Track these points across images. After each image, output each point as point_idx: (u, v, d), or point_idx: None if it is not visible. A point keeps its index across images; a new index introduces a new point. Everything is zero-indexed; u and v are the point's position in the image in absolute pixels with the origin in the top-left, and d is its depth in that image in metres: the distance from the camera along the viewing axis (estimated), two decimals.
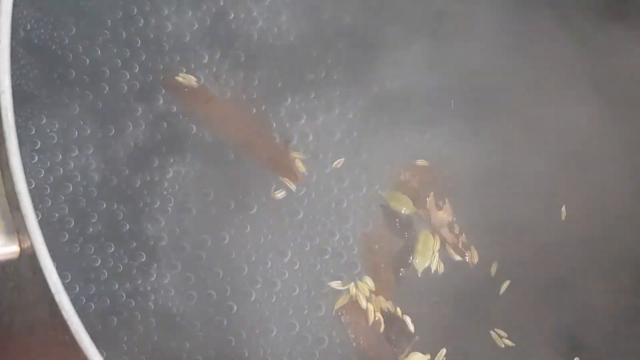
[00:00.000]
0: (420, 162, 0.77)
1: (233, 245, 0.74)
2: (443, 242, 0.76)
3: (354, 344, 0.73)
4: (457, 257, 0.77)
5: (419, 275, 0.76)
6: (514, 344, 0.76)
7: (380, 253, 0.75)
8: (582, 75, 0.83)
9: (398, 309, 0.74)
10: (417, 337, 0.74)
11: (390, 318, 0.73)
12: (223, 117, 0.75)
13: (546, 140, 0.81)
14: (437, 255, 0.76)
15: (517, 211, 0.78)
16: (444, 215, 0.77)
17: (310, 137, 0.77)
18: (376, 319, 0.73)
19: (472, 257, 0.77)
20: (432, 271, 0.76)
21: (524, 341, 0.76)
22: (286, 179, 0.75)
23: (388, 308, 0.74)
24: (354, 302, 0.73)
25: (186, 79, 0.75)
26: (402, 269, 0.75)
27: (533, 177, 0.80)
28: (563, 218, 0.80)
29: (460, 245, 0.77)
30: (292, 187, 0.75)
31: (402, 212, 0.75)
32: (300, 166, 0.75)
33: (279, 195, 0.74)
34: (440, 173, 0.78)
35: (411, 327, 0.74)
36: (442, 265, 0.76)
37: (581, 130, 0.82)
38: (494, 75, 0.81)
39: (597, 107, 0.82)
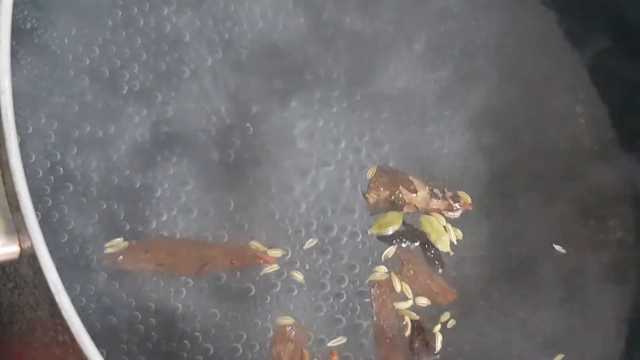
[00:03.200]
0: (369, 172, 0.77)
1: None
2: (441, 213, 0.76)
3: (374, 318, 0.73)
4: (457, 214, 0.76)
5: (452, 254, 0.76)
6: None
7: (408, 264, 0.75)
8: (582, 75, 0.83)
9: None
10: (438, 356, 0.73)
11: (419, 326, 0.73)
12: (170, 252, 0.72)
13: (546, 140, 0.81)
14: (449, 226, 0.76)
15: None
16: (420, 193, 0.76)
17: (310, 137, 0.77)
18: (404, 323, 0.73)
19: (465, 200, 0.76)
20: (455, 242, 0.76)
21: None
22: (262, 263, 0.73)
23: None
24: (388, 282, 0.73)
25: (116, 245, 0.71)
26: (437, 263, 0.75)
27: (533, 176, 0.81)
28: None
29: (451, 202, 0.76)
30: (274, 267, 0.73)
31: (396, 228, 0.75)
32: (268, 257, 0.73)
33: (271, 270, 0.73)
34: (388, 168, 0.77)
35: (437, 345, 0.73)
36: (459, 232, 0.76)
37: (581, 129, 0.82)
38: (494, 75, 0.81)
39: (597, 107, 0.82)
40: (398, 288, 0.73)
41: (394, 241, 0.75)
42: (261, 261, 0.72)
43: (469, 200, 0.77)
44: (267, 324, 0.72)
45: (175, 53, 0.76)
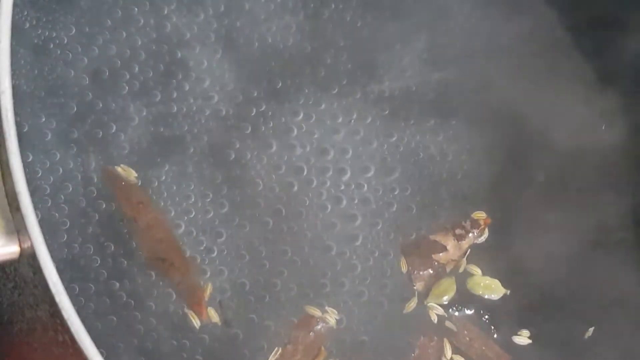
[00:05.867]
0: (402, 264, 0.76)
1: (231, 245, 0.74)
2: (464, 254, 0.77)
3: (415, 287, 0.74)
4: (485, 235, 0.76)
5: (508, 292, 0.76)
6: None
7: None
8: (584, 74, 0.83)
9: None
10: None
11: None
12: (148, 224, 0.71)
13: (546, 139, 0.81)
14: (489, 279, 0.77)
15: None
16: (449, 245, 0.76)
17: (309, 136, 0.77)
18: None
19: (483, 219, 0.77)
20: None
21: None
22: (190, 312, 0.71)
23: None
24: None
25: (127, 172, 0.73)
26: (492, 328, 0.75)
27: (533, 176, 0.81)
28: None
29: (474, 230, 0.76)
30: (196, 322, 0.71)
31: (452, 296, 0.76)
32: (212, 314, 0.71)
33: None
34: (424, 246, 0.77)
35: None
36: (479, 269, 0.77)
37: (581, 130, 0.82)
38: (494, 74, 0.81)
39: (597, 107, 0.82)
40: (448, 355, 0.74)
41: (450, 309, 0.75)
42: (196, 311, 0.71)
43: (484, 216, 0.77)
44: (267, 322, 0.72)
45: (175, 53, 0.76)
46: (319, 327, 0.72)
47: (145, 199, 0.72)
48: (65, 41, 0.74)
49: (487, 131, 0.81)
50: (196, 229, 0.73)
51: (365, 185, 0.77)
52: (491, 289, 0.76)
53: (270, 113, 0.77)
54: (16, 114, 0.56)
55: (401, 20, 0.81)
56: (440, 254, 0.76)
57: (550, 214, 0.79)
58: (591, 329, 0.76)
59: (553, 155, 0.81)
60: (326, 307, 0.73)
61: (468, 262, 0.77)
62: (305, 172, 0.76)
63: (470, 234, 0.77)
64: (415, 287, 0.75)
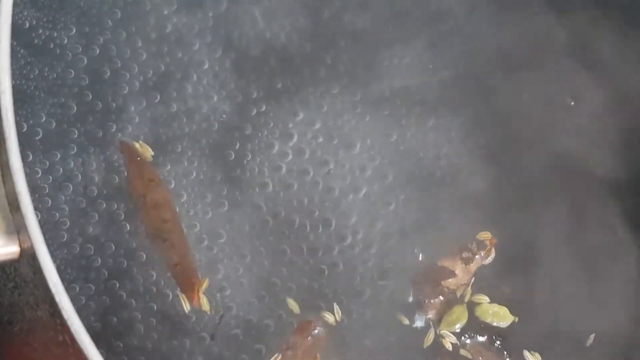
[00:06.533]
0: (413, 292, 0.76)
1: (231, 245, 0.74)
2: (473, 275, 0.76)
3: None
4: (492, 256, 0.76)
5: (517, 319, 0.76)
6: None
7: None
8: (583, 75, 0.83)
9: None
10: None
11: None
12: (157, 203, 0.72)
13: (546, 140, 0.81)
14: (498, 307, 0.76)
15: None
16: (458, 270, 0.76)
17: (309, 137, 0.77)
18: None
19: (489, 240, 0.77)
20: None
21: None
22: (183, 296, 0.71)
23: None
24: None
25: (144, 149, 0.73)
26: (505, 353, 0.75)
27: (534, 175, 0.81)
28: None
29: (481, 252, 0.76)
30: (186, 307, 0.70)
31: (464, 323, 0.75)
32: (204, 302, 0.71)
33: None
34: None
35: None
36: (486, 297, 0.76)
37: (582, 129, 0.82)
38: (494, 74, 0.81)
39: (598, 106, 0.82)
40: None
41: (462, 337, 0.75)
42: (189, 296, 0.71)
43: (489, 236, 0.77)
44: (267, 321, 0.72)
45: (175, 53, 0.76)
46: (316, 331, 0.72)
47: (156, 178, 0.72)
48: (65, 41, 0.74)
49: (488, 131, 0.81)
50: (196, 229, 0.73)
51: (366, 185, 0.77)
52: (500, 316, 0.75)
53: (270, 113, 0.77)
54: (16, 114, 0.55)
55: (401, 20, 0.81)
56: (450, 280, 0.75)
57: (551, 222, 0.79)
58: (592, 336, 0.76)
59: (553, 155, 0.81)
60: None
61: (475, 289, 0.76)
62: (305, 172, 0.76)
63: (477, 256, 0.76)
64: (428, 317, 0.75)
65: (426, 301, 0.75)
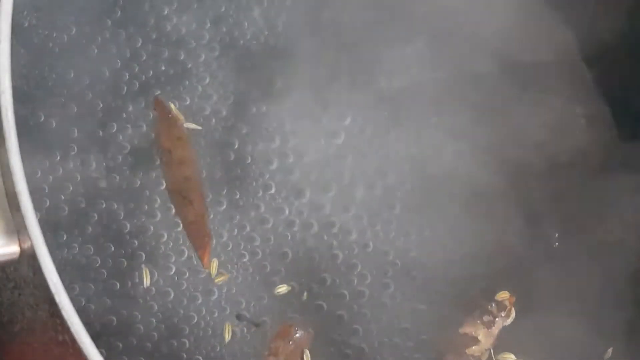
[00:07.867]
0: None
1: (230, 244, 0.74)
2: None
3: None
4: (512, 316, 0.76)
5: None
6: None
7: None
8: (584, 75, 0.83)
9: None
10: None
11: None
12: (181, 160, 0.73)
13: (546, 140, 0.81)
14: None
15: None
16: (480, 335, 0.75)
17: (309, 136, 0.77)
18: None
19: (508, 300, 0.76)
20: None
21: None
22: (195, 254, 0.72)
23: None
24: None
25: (177, 111, 0.74)
26: None
27: (533, 175, 0.81)
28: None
29: (502, 313, 0.76)
30: (200, 265, 0.72)
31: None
32: (213, 266, 0.72)
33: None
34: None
35: None
36: (512, 355, 0.75)
37: (582, 130, 0.82)
38: (494, 75, 0.81)
39: (598, 107, 0.82)
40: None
41: None
42: (201, 256, 0.72)
43: (507, 295, 0.76)
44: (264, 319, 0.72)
45: (175, 53, 0.76)
46: (298, 335, 0.71)
47: (184, 136, 0.73)
48: (66, 41, 0.74)
49: (488, 132, 0.81)
50: None
51: (366, 185, 0.77)
52: None
53: (270, 113, 0.77)
54: (16, 114, 0.55)
55: (401, 20, 0.81)
56: (474, 347, 0.74)
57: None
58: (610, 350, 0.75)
59: (553, 155, 0.81)
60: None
61: (499, 346, 0.75)
62: (305, 172, 0.76)
63: (498, 318, 0.75)
64: None
65: None
